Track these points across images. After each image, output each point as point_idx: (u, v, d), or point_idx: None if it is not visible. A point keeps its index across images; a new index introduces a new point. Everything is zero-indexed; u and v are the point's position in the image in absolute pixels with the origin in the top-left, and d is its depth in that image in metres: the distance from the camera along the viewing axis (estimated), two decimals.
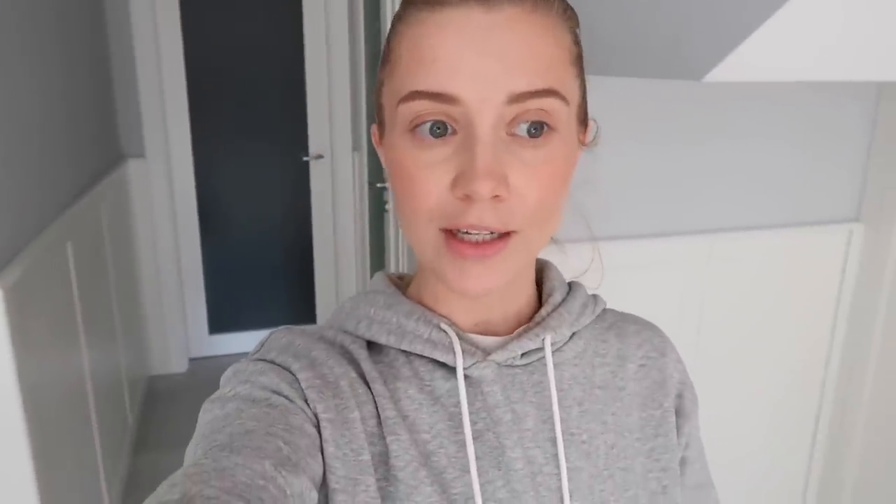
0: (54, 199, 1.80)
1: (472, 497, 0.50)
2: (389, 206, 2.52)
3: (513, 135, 0.47)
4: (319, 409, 0.49)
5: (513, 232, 0.47)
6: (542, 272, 0.61)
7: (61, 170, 1.90)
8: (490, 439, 0.52)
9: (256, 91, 3.27)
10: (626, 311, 0.66)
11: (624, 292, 1.52)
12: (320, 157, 3.39)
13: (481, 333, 0.56)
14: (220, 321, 3.48)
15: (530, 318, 0.57)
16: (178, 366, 3.31)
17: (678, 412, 0.61)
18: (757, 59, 0.77)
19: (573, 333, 0.58)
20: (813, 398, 1.79)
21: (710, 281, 1.60)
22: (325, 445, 0.48)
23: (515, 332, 0.56)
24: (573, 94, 0.50)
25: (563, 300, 0.59)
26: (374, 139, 0.57)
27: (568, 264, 0.63)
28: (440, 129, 0.47)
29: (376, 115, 0.55)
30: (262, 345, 0.56)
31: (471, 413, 0.53)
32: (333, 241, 3.50)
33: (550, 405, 0.54)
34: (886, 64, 0.86)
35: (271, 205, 3.43)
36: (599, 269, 0.68)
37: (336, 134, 3.34)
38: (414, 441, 0.51)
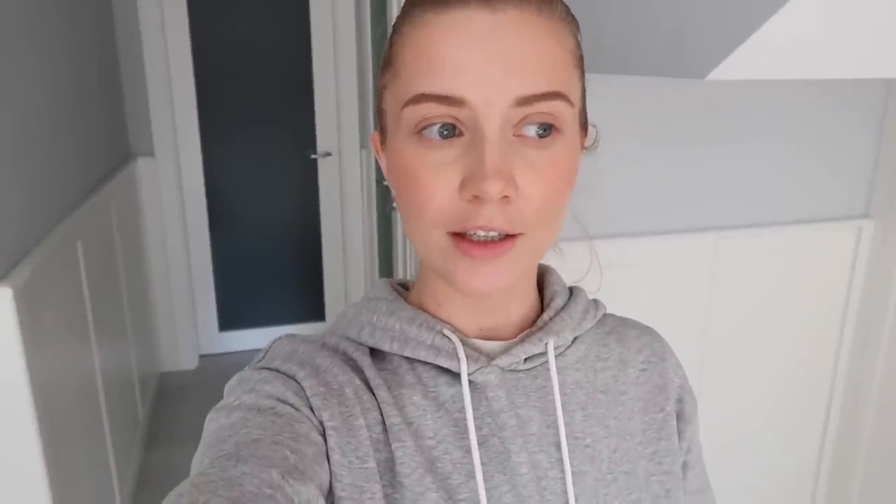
0: (64, 198, 1.81)
1: (478, 502, 0.50)
2: (399, 211, 2.52)
3: (519, 136, 0.47)
4: (325, 416, 0.49)
5: (519, 234, 0.47)
6: (542, 277, 0.61)
7: (71, 169, 1.92)
8: (495, 444, 0.52)
9: (264, 89, 3.28)
10: (632, 308, 0.66)
11: (630, 290, 1.52)
12: (328, 154, 3.40)
13: (484, 339, 0.56)
14: (230, 318, 3.51)
15: (532, 323, 0.57)
16: (189, 362, 3.33)
17: (679, 416, 0.61)
18: (761, 57, 0.77)
19: (575, 338, 0.58)
20: (822, 396, 1.79)
21: (717, 278, 1.60)
22: (331, 453, 0.48)
23: (518, 337, 0.56)
24: (576, 97, 0.50)
25: (565, 305, 0.59)
26: (375, 146, 0.56)
27: (565, 266, 0.63)
28: (447, 132, 0.47)
29: (378, 120, 0.55)
30: (265, 353, 0.56)
31: (475, 418, 0.53)
32: (342, 238, 3.51)
33: (554, 409, 0.54)
34: (894, 61, 0.85)
35: (280, 202, 3.44)
36: (598, 272, 0.68)
37: (344, 131, 3.34)
38: (419, 447, 0.51)
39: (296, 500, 0.42)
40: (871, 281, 1.68)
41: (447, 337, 0.53)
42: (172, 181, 3.12)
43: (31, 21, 1.64)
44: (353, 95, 3.27)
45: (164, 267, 3.16)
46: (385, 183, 2.63)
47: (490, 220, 0.46)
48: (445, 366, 0.53)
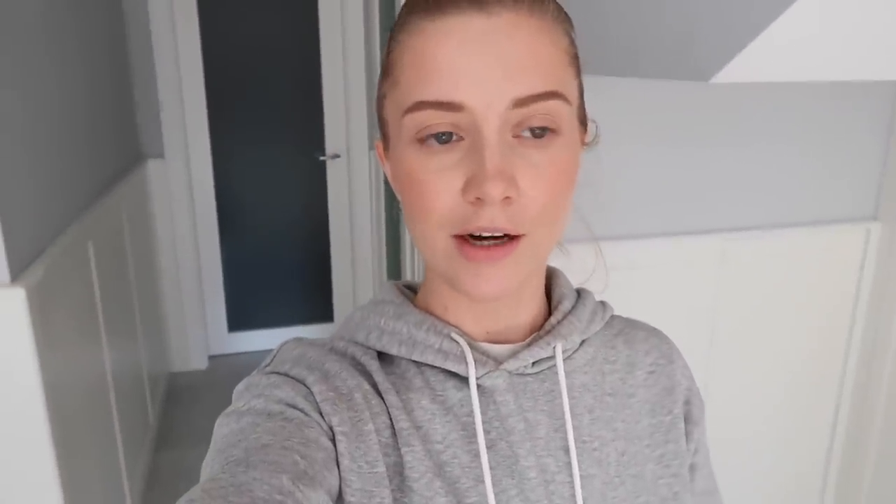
0: (76, 199, 1.83)
1: None
2: (404, 217, 2.53)
3: (518, 137, 0.47)
4: (334, 421, 0.49)
5: (522, 235, 0.48)
6: (550, 280, 0.61)
7: (82, 171, 1.94)
8: (503, 448, 0.52)
9: (274, 91, 3.29)
10: (640, 311, 0.66)
11: (637, 292, 1.52)
12: (337, 156, 3.41)
13: (491, 342, 0.56)
14: (239, 319, 3.52)
15: (540, 327, 0.57)
16: (198, 363, 3.35)
17: (687, 418, 0.61)
18: (765, 59, 0.77)
19: (583, 341, 0.58)
20: (830, 398, 1.78)
21: (725, 281, 1.60)
22: (340, 458, 0.48)
23: (526, 341, 0.56)
24: (573, 95, 0.51)
25: (573, 308, 0.58)
26: (379, 154, 0.57)
27: (571, 268, 0.63)
28: (446, 137, 0.47)
29: (380, 128, 0.55)
30: (272, 357, 0.56)
31: (483, 422, 0.52)
32: (350, 239, 3.52)
33: (562, 413, 0.54)
34: None
35: (289, 204, 3.46)
36: (604, 274, 0.68)
37: (352, 133, 3.36)
38: (428, 452, 0.51)
39: None
40: (879, 283, 1.67)
41: (455, 341, 0.53)
42: (182, 183, 3.14)
43: (46, 24, 1.66)
44: (361, 98, 3.29)
45: (173, 268, 3.18)
46: None
47: (492, 220, 0.46)
48: (453, 370, 0.53)
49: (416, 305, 0.58)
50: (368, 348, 0.56)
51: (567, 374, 0.56)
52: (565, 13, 0.51)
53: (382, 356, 0.56)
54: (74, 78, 1.92)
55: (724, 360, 1.65)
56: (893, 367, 1.67)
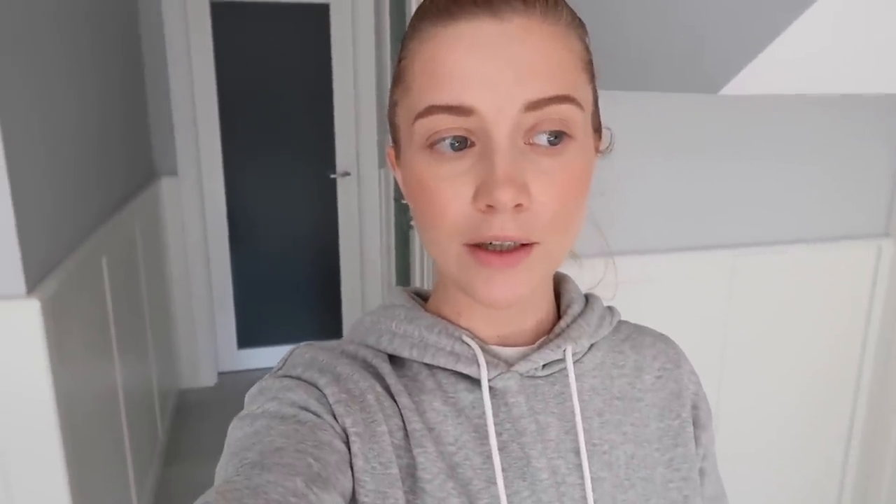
0: (90, 214, 1.85)
1: None
2: (415, 223, 2.54)
3: (531, 143, 0.47)
4: (348, 423, 0.49)
5: (535, 243, 0.47)
6: (559, 284, 0.61)
7: (97, 187, 1.96)
8: (515, 450, 0.52)
9: (285, 110, 3.33)
10: (651, 324, 0.66)
11: (649, 306, 1.52)
12: (347, 174, 3.44)
13: (501, 345, 0.56)
14: (249, 336, 3.53)
15: (549, 330, 0.57)
16: (208, 379, 3.36)
17: (695, 423, 0.61)
18: (773, 72, 0.78)
19: (591, 345, 0.59)
20: (844, 413, 1.76)
21: (736, 296, 1.59)
22: (354, 460, 0.48)
23: (537, 343, 0.56)
24: (587, 101, 0.50)
25: (582, 312, 0.59)
26: (391, 160, 0.57)
27: (582, 277, 0.63)
28: (459, 143, 0.47)
29: (391, 135, 0.55)
30: (284, 361, 0.56)
31: (495, 424, 0.52)
32: (360, 257, 3.53)
33: (572, 416, 0.54)
34: None
35: (299, 221, 3.48)
36: (613, 282, 0.69)
37: (363, 152, 3.38)
38: (440, 453, 0.51)
39: None
40: (892, 300, 1.66)
41: (466, 343, 0.54)
42: (195, 200, 3.17)
43: (64, 44, 1.70)
44: (372, 117, 3.32)
45: (185, 284, 3.20)
46: (403, 201, 2.65)
47: (503, 228, 0.46)
48: (465, 372, 0.53)
49: (426, 310, 0.58)
50: (379, 351, 0.56)
51: (577, 377, 0.56)
52: (579, 19, 0.51)
53: (393, 359, 0.56)
54: (91, 97, 1.95)
55: (735, 374, 1.64)
56: None
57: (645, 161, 1.48)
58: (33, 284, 1.35)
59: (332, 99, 3.34)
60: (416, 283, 2.48)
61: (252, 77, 3.26)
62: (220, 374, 3.47)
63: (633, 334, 0.63)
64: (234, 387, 3.35)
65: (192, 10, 3.05)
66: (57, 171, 1.58)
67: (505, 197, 0.44)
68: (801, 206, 1.61)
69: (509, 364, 0.54)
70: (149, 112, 2.99)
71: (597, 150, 0.54)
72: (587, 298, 0.62)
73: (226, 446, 0.49)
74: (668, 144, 1.49)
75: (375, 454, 0.49)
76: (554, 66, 0.47)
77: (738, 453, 1.67)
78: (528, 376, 0.55)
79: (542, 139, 0.47)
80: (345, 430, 0.49)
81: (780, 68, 0.77)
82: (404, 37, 0.52)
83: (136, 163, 2.64)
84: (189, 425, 2.98)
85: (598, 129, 0.54)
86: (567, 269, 0.60)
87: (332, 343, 0.58)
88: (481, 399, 0.53)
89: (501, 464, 0.52)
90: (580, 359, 0.58)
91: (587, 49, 0.51)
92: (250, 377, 3.43)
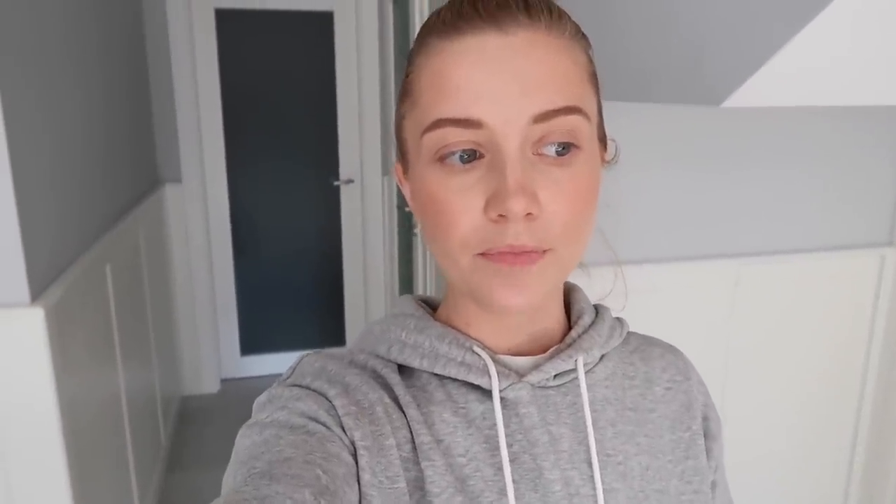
0: (94, 222, 1.86)
1: None
2: (418, 231, 2.55)
3: (539, 154, 0.47)
4: (356, 436, 0.49)
5: (547, 250, 0.47)
6: (569, 295, 0.61)
7: (101, 195, 1.97)
8: (527, 461, 0.52)
9: (289, 118, 3.34)
10: (655, 334, 0.66)
11: (653, 315, 1.52)
12: (350, 181, 3.44)
13: (513, 356, 0.56)
14: (252, 342, 3.53)
15: (560, 341, 0.57)
16: (211, 386, 3.36)
17: (706, 434, 0.61)
18: (775, 84, 0.78)
19: (602, 356, 0.58)
20: (848, 425, 1.75)
21: (740, 305, 1.59)
22: (361, 473, 0.48)
23: (548, 353, 0.56)
24: (593, 112, 0.51)
25: (593, 322, 0.58)
26: (398, 176, 0.57)
27: (592, 288, 0.63)
28: (468, 156, 0.47)
29: (399, 150, 0.55)
30: (293, 369, 0.56)
31: (507, 435, 0.52)
32: (363, 264, 3.53)
33: (585, 426, 0.54)
34: None
35: (303, 228, 3.49)
36: (623, 293, 0.68)
37: (366, 159, 3.39)
38: (449, 466, 0.51)
39: None
40: (895, 309, 1.66)
41: (477, 353, 0.53)
42: (199, 207, 3.18)
43: (70, 51, 1.71)
44: (375, 124, 3.33)
45: (188, 291, 3.21)
46: (407, 209, 2.65)
47: (516, 237, 0.46)
48: (476, 382, 0.52)
49: (436, 319, 0.58)
50: (389, 361, 0.56)
51: (588, 387, 0.56)
52: (583, 32, 0.52)
53: (403, 369, 0.56)
54: (95, 104, 1.96)
55: (739, 383, 1.63)
56: None
57: (649, 172, 1.48)
58: (37, 293, 1.36)
59: (335, 106, 3.35)
60: (420, 290, 2.48)
61: (256, 84, 3.28)
62: (224, 380, 3.47)
63: (642, 346, 0.63)
64: (237, 394, 3.35)
65: (197, 17, 3.07)
66: (61, 178, 1.59)
67: (517, 206, 0.44)
68: (804, 215, 1.61)
69: (520, 374, 0.53)
70: (153, 119, 3.00)
71: (603, 161, 0.55)
72: (597, 309, 0.61)
73: (234, 454, 0.49)
74: (671, 155, 1.49)
75: (383, 468, 0.49)
76: (560, 78, 0.47)
77: (742, 462, 1.66)
78: (540, 387, 0.54)
79: (551, 150, 0.47)
80: (353, 443, 0.49)
81: (783, 81, 0.77)
82: (411, 51, 0.52)
83: (140, 169, 2.65)
84: (192, 432, 2.98)
85: (603, 139, 0.55)
86: (575, 279, 0.60)
87: (342, 351, 0.57)
88: (492, 410, 0.53)
89: (513, 475, 0.51)
90: (591, 369, 0.57)
91: (591, 61, 0.52)
92: (253, 384, 3.44)
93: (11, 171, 1.27)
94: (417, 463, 0.50)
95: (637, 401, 0.58)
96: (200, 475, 2.61)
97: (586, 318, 0.58)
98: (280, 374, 0.57)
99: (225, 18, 3.14)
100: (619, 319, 0.63)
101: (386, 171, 3.33)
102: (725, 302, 1.58)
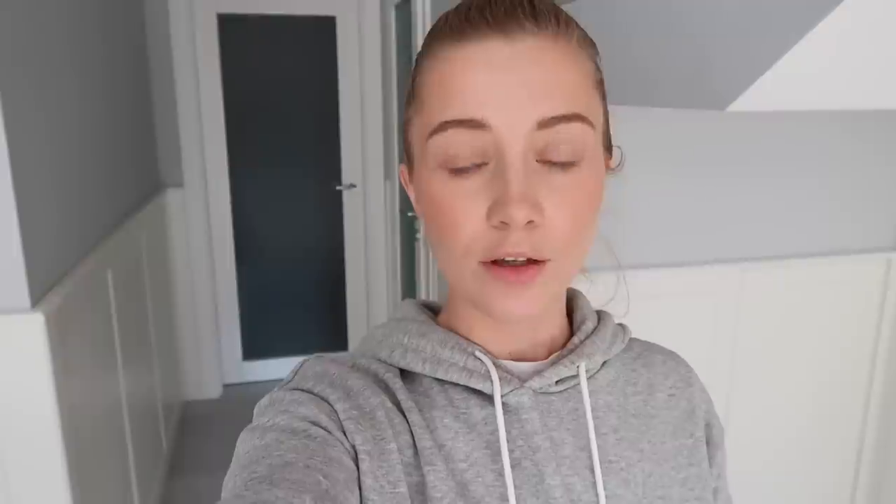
0: (96, 227, 1.86)
1: None
2: (420, 235, 2.55)
3: (543, 161, 0.47)
4: (358, 441, 0.49)
5: (547, 260, 0.47)
6: (571, 301, 0.61)
7: (103, 200, 1.97)
8: (528, 467, 0.52)
9: (291, 123, 3.35)
10: (658, 340, 0.66)
11: (657, 320, 1.51)
12: (353, 186, 3.44)
13: (515, 361, 0.56)
14: (254, 348, 3.53)
15: (562, 346, 0.57)
16: (212, 391, 3.35)
17: (708, 441, 0.61)
18: (781, 88, 0.77)
19: (604, 362, 0.58)
20: (854, 429, 1.74)
21: (745, 310, 1.58)
22: (362, 478, 0.48)
23: (550, 359, 0.56)
24: (598, 120, 0.50)
25: (595, 328, 0.58)
26: (403, 178, 0.57)
27: (594, 293, 0.63)
28: (473, 164, 0.47)
29: (405, 152, 0.55)
30: (295, 373, 0.56)
31: (508, 440, 0.52)
32: (365, 268, 3.53)
33: (586, 432, 0.54)
34: None
35: (305, 233, 3.49)
36: (625, 298, 0.68)
37: (368, 164, 3.39)
38: (450, 471, 0.50)
39: None
40: None
41: (479, 359, 0.53)
42: (201, 212, 3.18)
43: (72, 56, 1.71)
44: (377, 129, 3.33)
45: (190, 296, 3.21)
46: (410, 213, 2.65)
47: (517, 245, 0.46)
48: (478, 387, 0.52)
49: (438, 324, 0.58)
50: (391, 366, 0.56)
51: (591, 393, 0.56)
52: (590, 38, 0.52)
53: (405, 374, 0.56)
54: (97, 109, 1.96)
55: (744, 388, 1.63)
56: None
57: (652, 176, 1.47)
58: (38, 298, 1.35)
59: (337, 111, 3.35)
60: (422, 294, 2.48)
61: (258, 89, 3.28)
62: (225, 385, 3.46)
63: (644, 352, 0.63)
64: (239, 399, 3.35)
65: (200, 22, 3.07)
66: (62, 182, 1.59)
67: (519, 214, 0.44)
68: (809, 220, 1.60)
69: (522, 380, 0.53)
70: (155, 123, 3.00)
71: (608, 168, 0.54)
72: (599, 315, 0.61)
73: (234, 458, 0.49)
74: (675, 160, 1.49)
75: (384, 473, 0.49)
76: (566, 85, 0.47)
77: (748, 467, 1.65)
78: (542, 392, 0.54)
79: (555, 157, 0.47)
80: (354, 448, 0.49)
81: (788, 84, 0.77)
82: (418, 55, 0.52)
83: (142, 174, 2.65)
84: (193, 437, 2.97)
85: (608, 147, 0.54)
86: (578, 284, 0.60)
87: (344, 356, 0.57)
88: (493, 415, 0.53)
89: (514, 481, 0.51)
90: (593, 375, 0.57)
91: (598, 68, 0.52)
92: (255, 389, 3.43)
93: (12, 175, 1.27)
94: (419, 468, 0.50)
95: (639, 407, 0.58)
96: (202, 481, 2.60)
97: (589, 325, 0.58)
98: (282, 380, 0.57)
99: (227, 23, 3.15)
100: (621, 325, 0.62)
101: (388, 175, 3.32)
102: (730, 307, 1.57)
